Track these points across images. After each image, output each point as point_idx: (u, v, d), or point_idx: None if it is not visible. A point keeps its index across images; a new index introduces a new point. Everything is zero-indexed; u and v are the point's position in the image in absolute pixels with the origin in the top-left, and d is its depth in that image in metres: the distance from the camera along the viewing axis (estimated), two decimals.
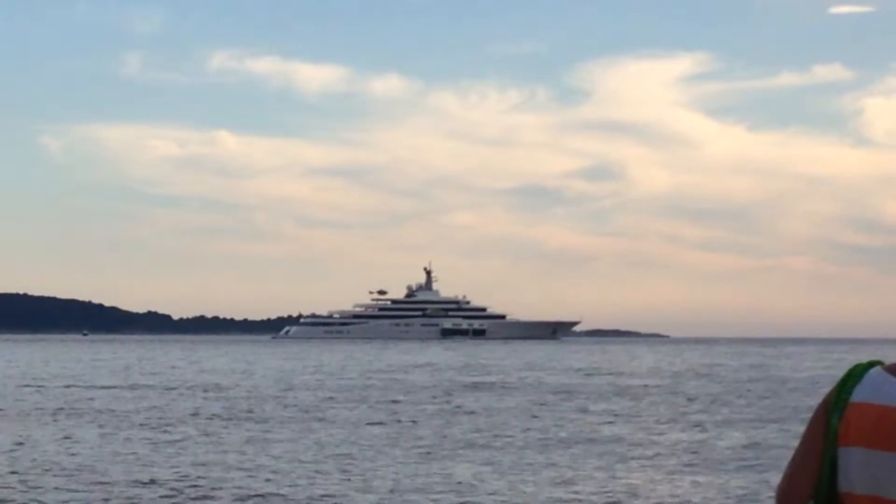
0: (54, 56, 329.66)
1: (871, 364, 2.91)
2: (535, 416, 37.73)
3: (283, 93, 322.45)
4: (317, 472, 23.52)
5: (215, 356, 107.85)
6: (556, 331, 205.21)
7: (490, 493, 20.78)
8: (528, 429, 33.26)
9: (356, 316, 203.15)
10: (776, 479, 21.95)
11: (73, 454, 26.50)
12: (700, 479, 22.92)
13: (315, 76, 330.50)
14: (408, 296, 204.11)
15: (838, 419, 2.85)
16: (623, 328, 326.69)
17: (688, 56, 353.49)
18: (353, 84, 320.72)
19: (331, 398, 46.47)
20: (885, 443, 2.78)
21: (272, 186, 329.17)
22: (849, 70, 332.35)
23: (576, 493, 21.02)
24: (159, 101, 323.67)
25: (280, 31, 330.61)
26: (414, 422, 35.57)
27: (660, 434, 32.09)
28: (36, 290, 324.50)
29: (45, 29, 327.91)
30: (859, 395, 2.85)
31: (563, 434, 31.75)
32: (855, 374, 2.89)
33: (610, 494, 20.90)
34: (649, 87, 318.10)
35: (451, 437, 30.67)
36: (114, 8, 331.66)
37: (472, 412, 39.38)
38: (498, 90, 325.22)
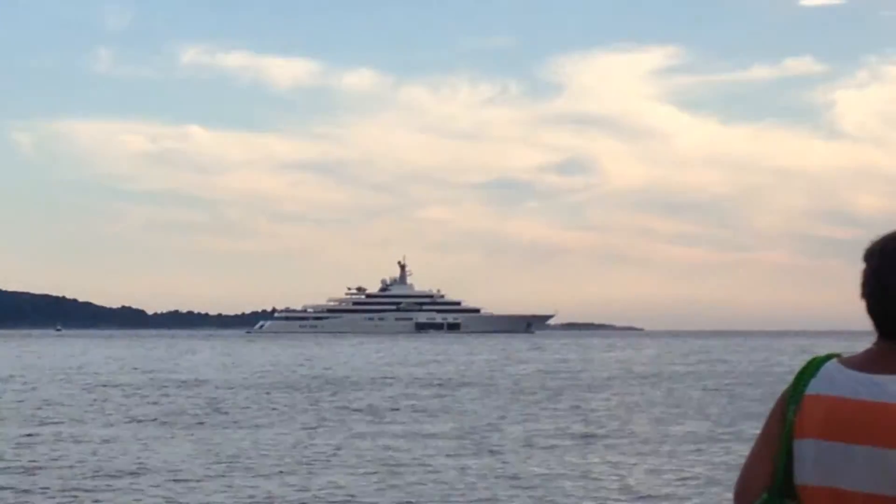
0: (24, 51, 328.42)
1: (829, 357, 2.97)
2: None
3: (254, 87, 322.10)
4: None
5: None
6: (530, 324, 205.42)
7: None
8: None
9: (330, 310, 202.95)
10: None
11: None
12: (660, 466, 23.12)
13: (286, 70, 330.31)
14: (382, 290, 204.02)
15: (794, 412, 2.89)
16: (598, 321, 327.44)
17: (660, 49, 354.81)
18: (325, 78, 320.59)
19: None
20: (837, 434, 2.82)
21: (244, 181, 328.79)
22: (820, 63, 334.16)
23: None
24: (130, 96, 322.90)
25: (251, 25, 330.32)
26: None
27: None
28: (9, 285, 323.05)
29: (14, 24, 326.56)
30: (814, 387, 2.89)
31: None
32: (811, 367, 2.94)
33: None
34: (621, 80, 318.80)
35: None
36: (84, 2, 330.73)
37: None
38: (470, 84, 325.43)
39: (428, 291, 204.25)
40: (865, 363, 2.90)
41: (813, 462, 2.85)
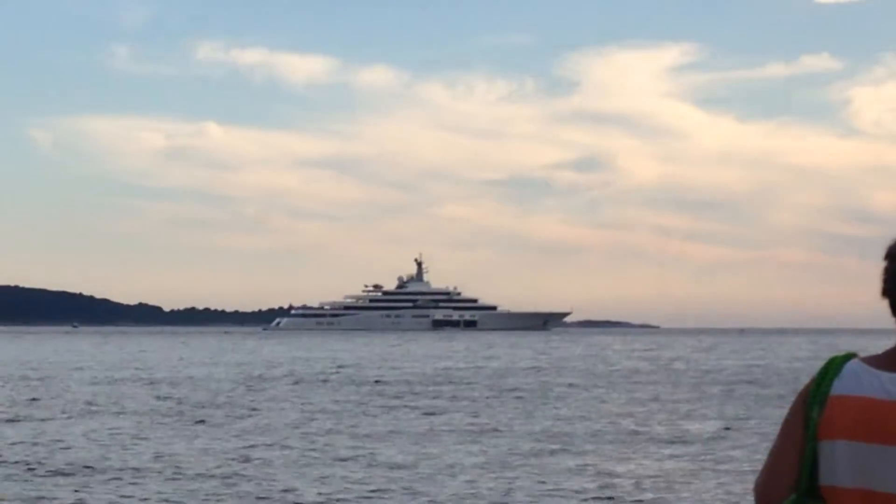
0: (42, 49, 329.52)
1: (848, 356, 2.89)
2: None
3: (270, 84, 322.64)
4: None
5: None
6: (546, 322, 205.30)
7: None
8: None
9: (347, 307, 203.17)
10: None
11: None
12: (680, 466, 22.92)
13: (303, 67, 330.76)
14: (399, 287, 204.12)
15: (819, 412, 2.83)
16: (614, 319, 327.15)
17: (676, 46, 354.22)
18: (342, 75, 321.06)
19: None
20: (870, 435, 2.77)
21: (261, 178, 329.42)
22: (837, 60, 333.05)
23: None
24: (147, 92, 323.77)
25: (267, 22, 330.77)
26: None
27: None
28: (27, 282, 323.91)
29: (32, 21, 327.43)
30: (840, 387, 2.83)
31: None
32: (833, 367, 2.86)
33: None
34: (638, 77, 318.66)
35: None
36: (101, 0, 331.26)
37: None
38: (486, 81, 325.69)
39: (445, 289, 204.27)
40: (892, 362, 2.84)
41: (844, 464, 2.79)
